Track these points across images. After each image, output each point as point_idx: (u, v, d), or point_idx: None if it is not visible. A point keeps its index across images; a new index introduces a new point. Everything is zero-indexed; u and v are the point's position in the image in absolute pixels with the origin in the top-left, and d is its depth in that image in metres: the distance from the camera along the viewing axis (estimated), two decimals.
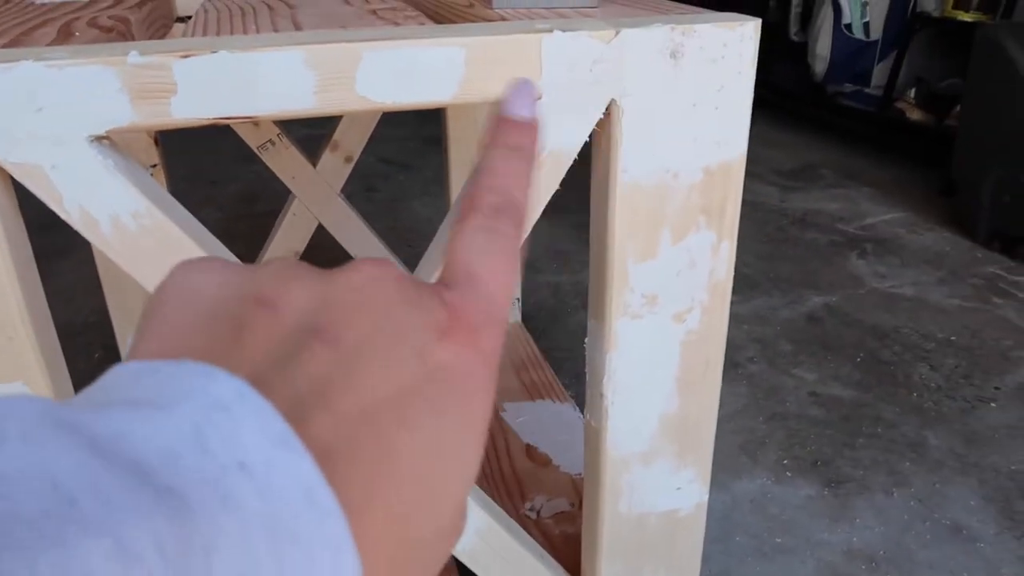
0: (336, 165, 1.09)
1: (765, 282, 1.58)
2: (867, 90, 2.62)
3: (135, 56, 0.42)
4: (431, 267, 0.55)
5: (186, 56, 0.42)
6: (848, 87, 2.64)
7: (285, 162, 1.07)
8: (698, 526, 0.70)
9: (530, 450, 0.95)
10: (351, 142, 1.08)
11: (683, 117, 0.52)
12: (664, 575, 0.72)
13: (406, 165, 2.41)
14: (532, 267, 1.56)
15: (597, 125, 0.51)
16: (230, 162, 2.35)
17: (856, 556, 0.92)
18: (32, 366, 0.46)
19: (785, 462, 1.08)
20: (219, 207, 2.07)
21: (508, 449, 0.95)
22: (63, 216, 0.45)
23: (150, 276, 0.47)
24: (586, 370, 0.64)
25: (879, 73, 2.59)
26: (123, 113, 0.42)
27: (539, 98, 0.27)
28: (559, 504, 0.86)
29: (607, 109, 0.51)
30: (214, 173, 2.34)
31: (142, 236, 0.46)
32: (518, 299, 1.25)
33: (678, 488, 0.67)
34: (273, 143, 1.04)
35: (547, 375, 1.10)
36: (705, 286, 0.59)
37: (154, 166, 1.00)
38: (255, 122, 1.03)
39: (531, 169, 0.26)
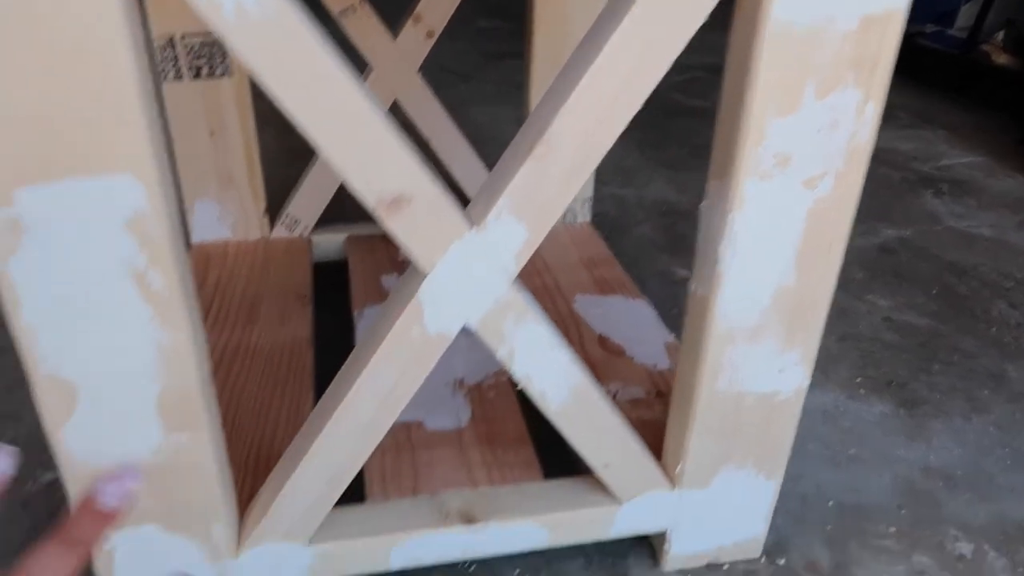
0: (417, 39, 1.05)
1: None
2: (950, 31, 2.50)
3: None
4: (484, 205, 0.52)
5: None
6: (930, 27, 2.51)
7: (365, 31, 1.03)
8: (795, 412, 0.68)
9: (603, 340, 0.93)
10: (434, 15, 1.03)
11: None
12: (753, 460, 0.70)
13: (466, 75, 2.36)
14: (598, 179, 1.52)
15: None
16: None
17: (933, 473, 0.90)
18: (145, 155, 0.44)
19: (858, 380, 1.05)
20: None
21: (581, 339, 0.93)
22: None
23: (267, 70, 0.44)
24: (698, 237, 0.61)
25: (965, 14, 2.46)
26: None
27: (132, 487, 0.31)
28: (634, 391, 0.85)
29: None
30: None
31: (263, 23, 0.43)
32: (589, 199, 1.21)
33: (780, 370, 0.65)
34: (354, 9, 1.00)
35: (618, 272, 1.08)
36: (843, 151, 0.55)
37: None
38: None
39: (80, 565, 0.29)
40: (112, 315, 0.48)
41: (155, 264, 0.47)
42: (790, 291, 0.60)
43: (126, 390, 0.51)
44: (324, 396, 0.62)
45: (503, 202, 0.51)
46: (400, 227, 0.50)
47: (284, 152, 1.73)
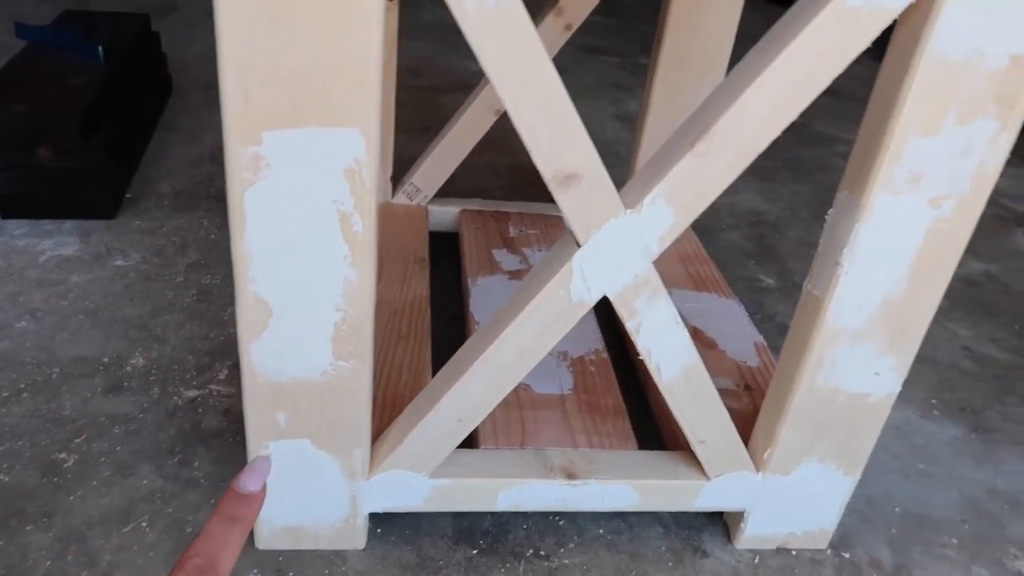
0: (556, 31, 1.11)
1: None
2: None
3: None
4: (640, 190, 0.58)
5: None
6: None
7: None
8: (882, 415, 0.73)
9: (697, 332, 0.99)
10: (576, 9, 1.10)
11: None
12: (835, 456, 0.75)
13: (564, 68, 2.42)
14: None
15: None
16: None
17: (999, 495, 0.94)
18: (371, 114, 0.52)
19: (933, 401, 1.09)
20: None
21: None
22: None
23: (491, 55, 0.51)
24: (820, 241, 0.66)
25: None
26: None
27: (268, 473, 0.38)
28: (725, 383, 0.90)
29: None
30: None
31: (497, 16, 0.50)
32: None
33: (876, 373, 0.70)
34: None
35: (712, 271, 1.13)
36: (971, 176, 0.60)
37: (390, 0, 1.05)
38: None
39: (243, 538, 0.35)
40: (316, 248, 0.56)
41: (359, 208, 0.55)
42: (897, 301, 0.66)
43: (312, 316, 0.60)
44: (466, 344, 0.70)
45: (659, 189, 0.58)
46: (568, 201, 0.57)
47: (407, 127, 1.82)
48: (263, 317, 0.59)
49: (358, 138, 0.52)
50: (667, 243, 0.61)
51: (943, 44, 0.54)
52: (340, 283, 0.58)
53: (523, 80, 0.51)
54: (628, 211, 0.59)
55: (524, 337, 0.64)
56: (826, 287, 0.65)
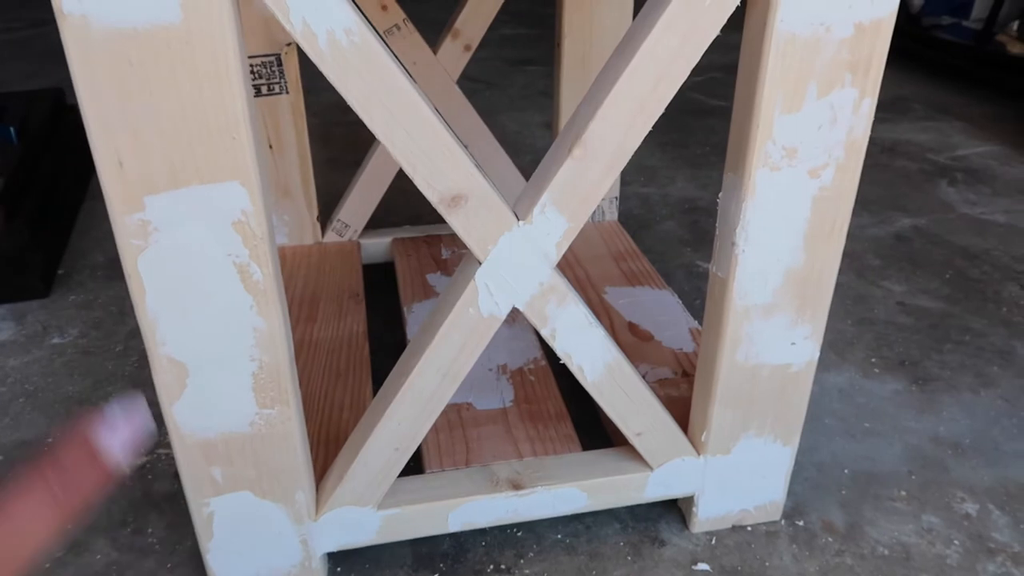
0: (456, 53, 1.13)
1: (854, 204, 1.59)
2: (965, 23, 2.54)
3: None
4: (529, 200, 0.59)
5: None
6: (946, 19, 2.56)
7: (408, 47, 1.11)
8: (806, 383, 0.75)
9: (633, 327, 1.01)
10: (472, 30, 1.12)
11: None
12: (770, 428, 0.77)
13: (491, 83, 2.44)
14: (623, 179, 1.59)
15: None
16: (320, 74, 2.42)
17: (942, 442, 0.96)
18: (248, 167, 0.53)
19: (872, 360, 1.12)
20: (313, 114, 2.14)
21: (612, 326, 1.01)
22: (287, 28, 0.50)
23: (354, 91, 0.52)
24: (716, 224, 0.69)
25: (980, 5, 2.50)
26: None
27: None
28: (663, 372, 0.92)
29: None
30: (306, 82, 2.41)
31: (351, 52, 0.51)
32: (616, 198, 1.29)
33: (792, 343, 0.72)
34: (399, 28, 1.09)
35: (644, 265, 1.15)
36: (843, 143, 0.62)
37: (288, 45, 1.06)
38: (384, 6, 1.08)
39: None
40: (220, 303, 0.57)
41: (255, 258, 0.56)
42: (799, 271, 0.68)
43: (228, 370, 0.60)
44: (391, 374, 0.71)
45: (546, 197, 0.59)
46: (458, 221, 0.59)
47: (327, 162, 1.83)
48: (180, 378, 0.60)
49: (240, 190, 0.53)
50: (564, 248, 0.63)
51: (789, 23, 0.56)
52: (250, 333, 0.59)
53: (391, 112, 0.53)
54: (521, 222, 0.60)
55: (443, 359, 0.65)
56: (728, 267, 0.67)
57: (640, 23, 0.57)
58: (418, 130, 0.54)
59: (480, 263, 0.61)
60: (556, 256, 0.63)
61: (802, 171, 0.63)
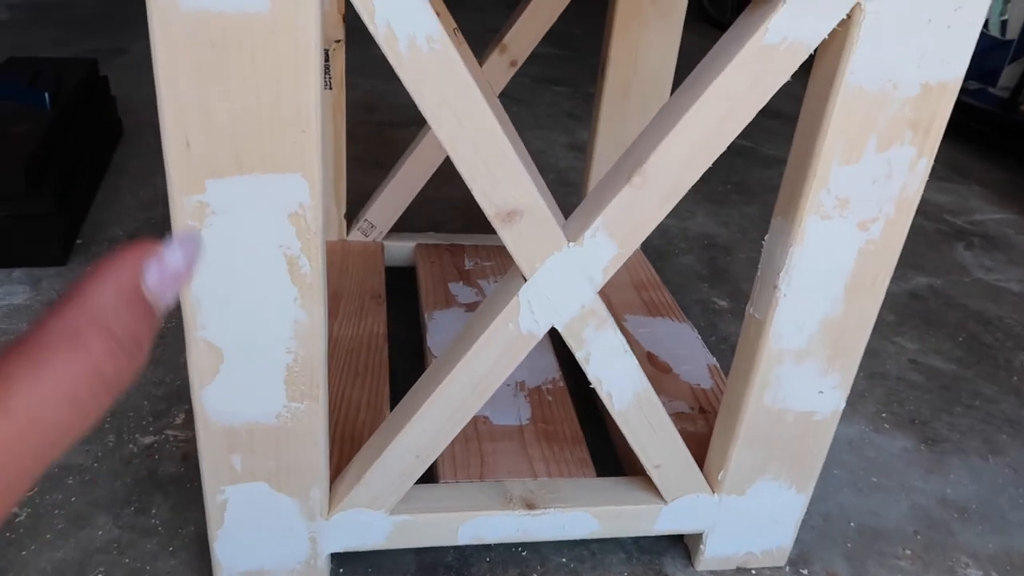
0: (502, 67, 1.14)
1: None
2: (991, 90, 2.57)
3: None
4: (581, 223, 0.60)
5: None
6: (972, 84, 2.59)
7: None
8: (828, 432, 0.75)
9: (652, 357, 1.01)
10: (519, 46, 1.12)
11: (917, 30, 0.55)
12: (787, 473, 0.77)
13: (519, 99, 2.46)
14: None
15: (838, 24, 0.55)
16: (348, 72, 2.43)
17: (949, 505, 0.96)
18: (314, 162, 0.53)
19: (883, 415, 1.12)
20: None
21: None
22: (371, 29, 0.51)
23: (427, 96, 0.53)
24: (759, 267, 0.69)
25: (1008, 74, 2.53)
26: None
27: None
28: (679, 406, 0.92)
29: (850, 11, 0.55)
30: None
31: (430, 59, 0.52)
32: None
33: (820, 392, 0.72)
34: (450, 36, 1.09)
35: (665, 296, 1.16)
36: (895, 199, 0.63)
37: (338, 41, 1.06)
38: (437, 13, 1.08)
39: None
40: (265, 292, 0.57)
41: (306, 251, 0.56)
42: (836, 321, 0.68)
43: (263, 359, 0.60)
44: (419, 380, 0.70)
45: (599, 221, 0.59)
46: (510, 236, 0.59)
47: (350, 160, 1.84)
48: (214, 363, 0.60)
49: (301, 183, 0.53)
50: (610, 273, 0.63)
51: (858, 76, 0.56)
52: (291, 326, 0.59)
53: (460, 121, 0.53)
54: (571, 244, 0.60)
55: (477, 371, 0.65)
56: (766, 310, 0.67)
57: (711, 61, 0.58)
58: (484, 143, 0.54)
59: (525, 280, 0.61)
60: (601, 281, 0.63)
61: (852, 222, 0.63)
